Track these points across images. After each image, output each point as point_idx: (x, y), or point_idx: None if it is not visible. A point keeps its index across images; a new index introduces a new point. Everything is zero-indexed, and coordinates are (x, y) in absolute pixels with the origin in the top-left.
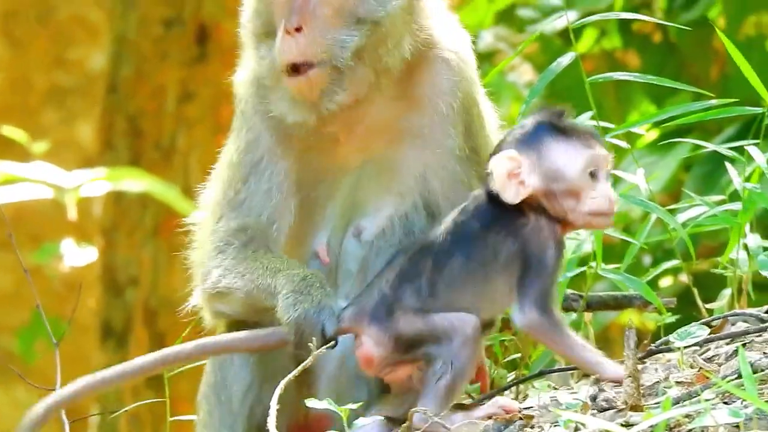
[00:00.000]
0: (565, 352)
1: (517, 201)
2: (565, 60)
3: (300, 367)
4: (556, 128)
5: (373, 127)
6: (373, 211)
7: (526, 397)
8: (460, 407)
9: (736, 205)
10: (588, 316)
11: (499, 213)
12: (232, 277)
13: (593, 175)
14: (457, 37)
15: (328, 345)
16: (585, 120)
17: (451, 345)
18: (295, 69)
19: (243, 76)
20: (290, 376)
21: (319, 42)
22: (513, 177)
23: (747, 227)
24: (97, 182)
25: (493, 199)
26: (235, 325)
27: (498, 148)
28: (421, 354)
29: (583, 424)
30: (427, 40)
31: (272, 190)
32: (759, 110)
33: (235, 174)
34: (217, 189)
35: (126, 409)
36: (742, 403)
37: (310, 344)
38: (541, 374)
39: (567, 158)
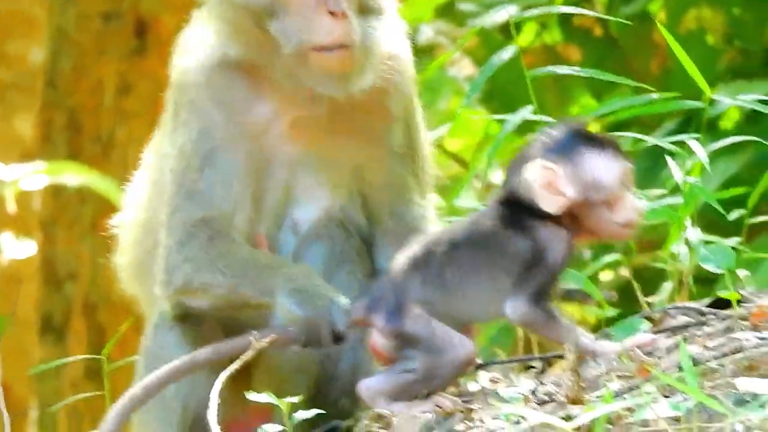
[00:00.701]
0: (560, 340)
1: (557, 212)
2: (506, 54)
3: (240, 360)
4: (589, 138)
5: (315, 119)
6: (307, 203)
7: (466, 390)
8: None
9: (677, 199)
10: None
11: (514, 215)
12: (208, 273)
13: (625, 187)
14: (399, 32)
15: (338, 341)
16: (526, 114)
17: (438, 358)
18: (328, 49)
19: (193, 62)
20: (230, 369)
21: (355, 27)
22: (550, 187)
23: (688, 221)
24: (36, 176)
25: (510, 201)
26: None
27: (526, 157)
28: (413, 353)
29: (523, 418)
30: None
31: (229, 180)
32: (699, 104)
33: (189, 165)
34: (165, 181)
35: (65, 402)
36: (682, 397)
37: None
38: (481, 366)
39: (606, 168)
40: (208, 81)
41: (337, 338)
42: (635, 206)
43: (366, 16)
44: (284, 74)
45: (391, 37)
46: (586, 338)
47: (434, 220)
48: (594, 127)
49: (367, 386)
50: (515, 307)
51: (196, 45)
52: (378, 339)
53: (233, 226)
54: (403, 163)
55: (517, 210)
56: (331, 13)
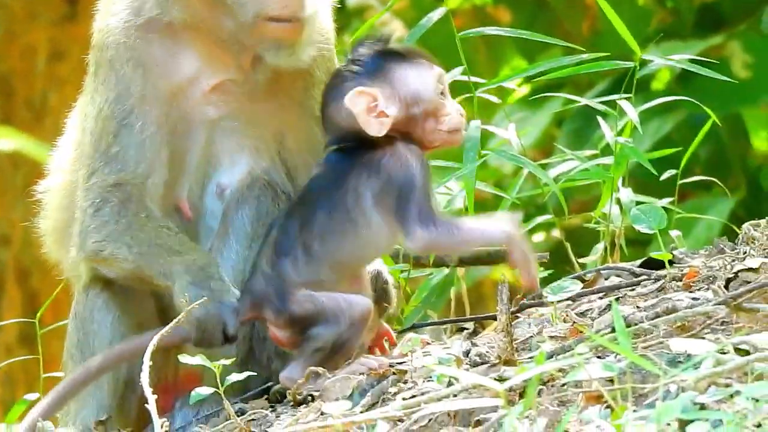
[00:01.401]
0: (470, 245)
1: (382, 133)
2: (436, 15)
3: (170, 325)
4: (397, 54)
5: (238, 83)
6: (231, 167)
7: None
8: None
9: (609, 160)
10: (461, 271)
11: (353, 156)
12: (116, 245)
13: (443, 94)
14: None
15: (229, 341)
16: (456, 75)
17: (337, 326)
18: (282, 20)
19: (113, 23)
20: (161, 331)
21: (308, 1)
22: (371, 111)
23: (619, 182)
24: None
25: (343, 143)
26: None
27: (340, 87)
28: (314, 331)
29: (456, 379)
30: None
31: (145, 142)
32: (630, 64)
33: (106, 126)
34: (85, 142)
35: None
36: (615, 357)
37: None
38: (413, 328)
39: (420, 81)
40: (127, 41)
41: (228, 339)
42: (458, 110)
43: None
44: (232, 40)
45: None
46: (494, 227)
47: None
48: (525, 88)
49: (286, 377)
50: (412, 239)
51: (118, 5)
52: (276, 331)
53: (148, 191)
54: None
55: (354, 149)
56: None
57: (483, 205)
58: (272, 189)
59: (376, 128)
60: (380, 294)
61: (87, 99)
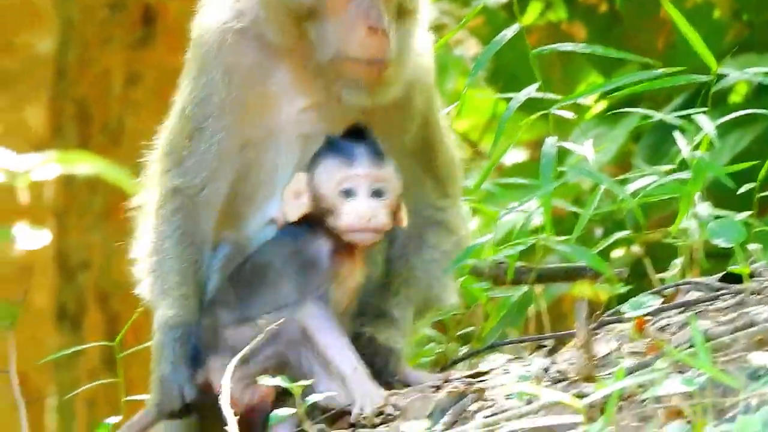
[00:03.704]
0: (326, 347)
1: (294, 218)
2: (510, 32)
3: (250, 346)
4: (330, 147)
5: (330, 108)
6: None
7: (478, 371)
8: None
9: (686, 174)
10: (539, 288)
11: (287, 230)
12: (147, 261)
13: (348, 193)
14: (424, 35)
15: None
16: (531, 92)
17: (275, 344)
18: (360, 60)
19: (212, 22)
20: (240, 354)
21: (392, 43)
22: (297, 196)
23: (697, 196)
24: (47, 166)
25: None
26: None
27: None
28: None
29: (536, 396)
30: None
31: (211, 151)
32: (706, 78)
33: (183, 127)
34: (164, 140)
35: (80, 390)
36: (695, 372)
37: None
38: (493, 347)
39: (324, 177)
40: (221, 44)
41: (187, 406)
42: (358, 212)
43: (403, 19)
44: (317, 72)
45: (420, 35)
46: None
47: (457, 224)
48: (601, 104)
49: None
50: (302, 311)
51: (221, 4)
52: (220, 383)
53: (199, 201)
54: (417, 160)
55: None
56: (371, 29)
57: (561, 221)
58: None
59: (291, 211)
60: (373, 358)
61: (180, 94)
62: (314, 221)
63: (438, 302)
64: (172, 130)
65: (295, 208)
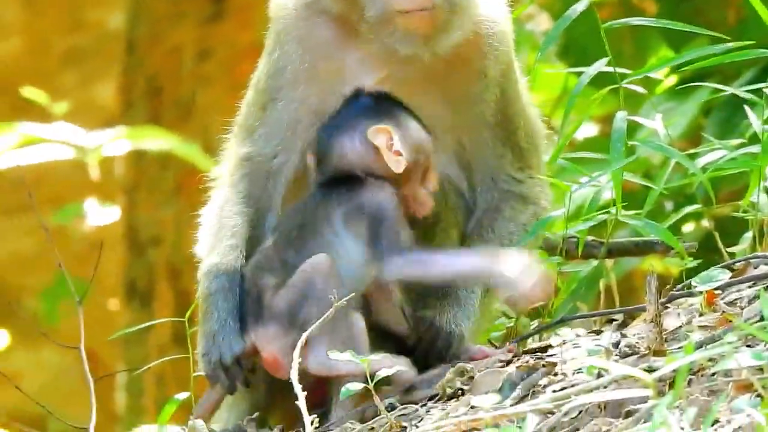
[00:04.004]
0: (442, 276)
1: (401, 170)
2: (580, 6)
3: (321, 319)
4: (400, 103)
5: (415, 79)
6: None
7: (549, 345)
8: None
9: (756, 148)
10: (609, 263)
11: (332, 187)
12: (207, 221)
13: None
14: (498, 5)
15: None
16: (601, 67)
17: (314, 290)
18: (407, 11)
19: None
20: (311, 329)
21: None
22: (389, 148)
23: (767, 170)
24: (118, 142)
25: (329, 178)
26: None
27: (351, 123)
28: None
29: (606, 370)
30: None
31: (283, 122)
32: None
33: (258, 99)
34: (242, 111)
35: (150, 366)
36: (765, 346)
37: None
38: (563, 321)
39: (423, 134)
40: (297, 17)
41: (231, 371)
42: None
43: None
44: (369, 34)
45: (488, 1)
46: (481, 258)
47: (536, 195)
48: (671, 79)
49: (317, 361)
50: (386, 268)
51: None
52: (268, 349)
53: (270, 169)
54: (496, 131)
55: (336, 179)
56: None
57: (631, 196)
58: (450, 191)
59: (396, 165)
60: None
61: (259, 67)
62: (370, 175)
63: None
64: (247, 103)
65: (399, 162)
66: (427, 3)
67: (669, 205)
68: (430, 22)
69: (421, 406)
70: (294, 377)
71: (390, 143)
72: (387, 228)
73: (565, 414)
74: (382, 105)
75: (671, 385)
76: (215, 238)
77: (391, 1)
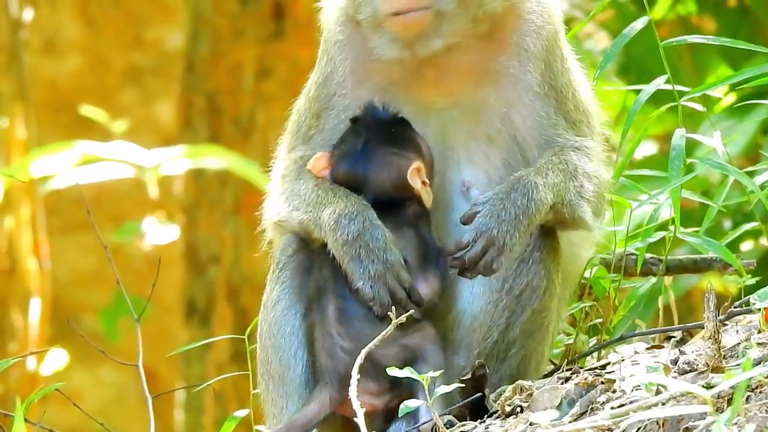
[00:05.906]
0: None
1: (430, 203)
2: (639, 24)
3: (380, 336)
4: (410, 126)
5: (460, 70)
6: (467, 160)
7: (607, 362)
8: None
9: None
10: (668, 280)
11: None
12: (288, 209)
13: None
14: None
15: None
16: (660, 84)
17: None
18: (397, 14)
19: (329, 4)
20: (371, 345)
21: None
22: (424, 185)
23: None
24: (177, 160)
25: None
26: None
27: (389, 157)
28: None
29: (664, 387)
30: None
31: (339, 126)
32: None
33: (310, 106)
34: (293, 120)
35: (209, 383)
36: None
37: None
38: (622, 339)
39: (430, 151)
40: (336, 22)
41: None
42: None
43: None
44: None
45: None
46: None
47: (596, 151)
48: (731, 96)
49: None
50: (428, 286)
51: None
52: (372, 401)
53: None
54: (545, 103)
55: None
56: None
57: (690, 213)
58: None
59: (428, 199)
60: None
61: (311, 77)
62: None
63: (577, 225)
64: (299, 111)
65: (428, 193)
66: (414, 4)
67: (727, 223)
68: (417, 25)
69: (480, 423)
70: (353, 394)
71: (424, 180)
72: (436, 250)
73: (624, 430)
74: (403, 130)
75: (729, 402)
76: (288, 205)
77: (381, 3)
